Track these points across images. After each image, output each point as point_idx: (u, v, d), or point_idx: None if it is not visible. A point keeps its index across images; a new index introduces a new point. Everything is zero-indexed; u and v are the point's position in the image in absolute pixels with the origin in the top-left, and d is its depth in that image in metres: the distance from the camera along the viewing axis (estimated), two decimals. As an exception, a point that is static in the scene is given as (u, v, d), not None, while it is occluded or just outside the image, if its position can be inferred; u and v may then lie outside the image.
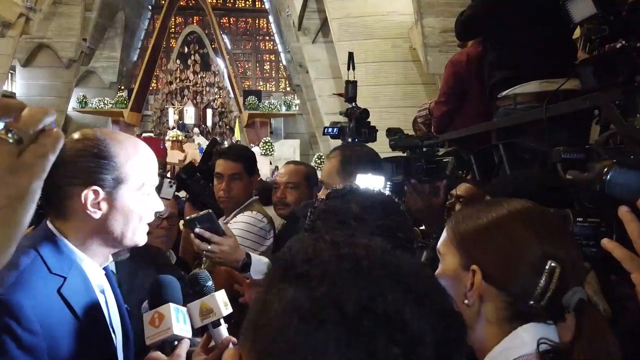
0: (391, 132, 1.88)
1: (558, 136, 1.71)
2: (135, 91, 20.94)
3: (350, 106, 2.54)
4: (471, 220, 0.95)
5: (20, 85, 19.30)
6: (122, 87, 21.79)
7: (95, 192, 1.01)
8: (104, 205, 1.03)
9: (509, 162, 1.87)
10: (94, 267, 1.05)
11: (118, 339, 1.08)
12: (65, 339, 0.94)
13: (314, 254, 0.53)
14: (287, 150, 20.09)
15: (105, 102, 20.45)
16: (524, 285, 0.86)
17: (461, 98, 2.63)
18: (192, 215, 1.53)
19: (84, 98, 20.50)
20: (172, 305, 1.04)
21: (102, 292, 1.08)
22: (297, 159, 19.73)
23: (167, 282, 1.11)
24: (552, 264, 0.84)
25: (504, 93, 2.10)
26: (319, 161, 19.45)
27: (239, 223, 1.98)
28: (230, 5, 26.92)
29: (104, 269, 1.11)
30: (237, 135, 19.63)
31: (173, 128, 18.79)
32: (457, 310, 0.55)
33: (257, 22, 27.06)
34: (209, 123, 20.72)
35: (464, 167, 2.41)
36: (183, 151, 13.80)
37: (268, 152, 18.42)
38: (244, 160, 2.08)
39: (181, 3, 24.44)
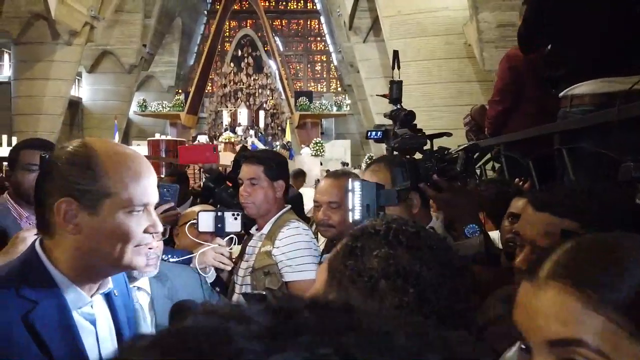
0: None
1: (628, 141, 1.49)
2: (191, 94, 21.62)
3: (395, 108, 2.37)
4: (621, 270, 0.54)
5: (86, 90, 20.43)
6: (179, 91, 22.58)
7: (69, 204, 0.91)
8: (82, 221, 0.92)
9: (574, 169, 1.66)
10: (77, 295, 0.95)
11: None
12: None
13: None
14: (338, 150, 20.02)
15: (164, 105, 21.24)
16: None
17: (518, 96, 2.40)
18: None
19: (144, 102, 21.39)
20: None
21: (93, 322, 0.97)
22: (348, 159, 19.60)
23: (188, 307, 1.03)
24: None
25: (562, 93, 1.87)
26: (369, 161, 19.24)
27: (295, 244, 1.86)
28: (282, 7, 27.23)
29: (107, 294, 1.01)
30: (288, 136, 19.78)
31: (226, 130, 19.21)
32: None
33: (308, 23, 27.20)
34: (262, 124, 21.03)
35: (521, 173, 2.20)
36: (235, 152, 14.10)
37: (319, 152, 18.43)
38: (264, 164, 1.94)
39: (235, 7, 24.99)
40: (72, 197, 0.92)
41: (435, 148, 1.41)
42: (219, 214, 1.69)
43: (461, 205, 1.33)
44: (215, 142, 18.22)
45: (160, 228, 1.00)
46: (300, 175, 6.93)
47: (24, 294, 0.89)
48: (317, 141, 19.07)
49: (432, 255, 0.65)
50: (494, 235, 1.66)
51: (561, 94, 1.87)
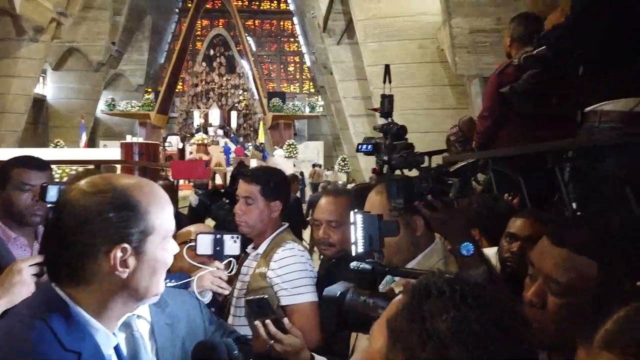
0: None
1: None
2: (161, 93, 21.23)
3: (386, 122, 2.37)
4: None
5: (51, 88, 19.78)
6: (149, 90, 22.13)
7: (124, 250, 0.90)
8: (131, 262, 0.92)
9: (567, 187, 1.67)
10: (106, 337, 0.95)
11: None
12: None
13: None
14: (311, 152, 20.05)
15: (133, 104, 20.78)
16: None
17: (506, 112, 2.45)
18: (249, 297, 1.53)
19: (112, 101, 20.87)
20: None
21: None
22: (321, 161, 19.64)
23: (214, 347, 1.02)
24: None
25: (590, 108, 1.85)
26: (342, 163, 19.35)
27: (291, 266, 1.81)
28: (255, 7, 27.04)
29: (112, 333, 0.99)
30: (261, 137, 19.67)
31: (198, 131, 18.93)
32: None
33: (281, 23, 27.10)
34: (234, 125, 20.83)
35: (509, 188, 2.23)
36: (208, 154, 13.90)
37: (292, 154, 18.40)
38: (260, 183, 1.90)
39: (207, 6, 24.65)
40: (125, 243, 0.90)
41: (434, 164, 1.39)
42: (218, 236, 1.65)
43: (455, 225, 1.33)
44: (186, 142, 17.95)
45: (177, 249, 1.01)
46: (294, 179, 6.98)
47: (67, 346, 0.87)
48: (291, 142, 19.04)
49: (500, 315, 0.64)
50: (489, 252, 1.68)
51: (588, 109, 1.84)
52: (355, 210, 1.16)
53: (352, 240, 1.11)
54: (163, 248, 0.96)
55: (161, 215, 0.95)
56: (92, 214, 0.89)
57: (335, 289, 1.03)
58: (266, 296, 1.56)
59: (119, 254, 0.90)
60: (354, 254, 1.11)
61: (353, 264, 1.08)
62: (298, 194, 9.81)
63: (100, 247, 0.89)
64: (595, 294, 0.79)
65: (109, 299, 0.93)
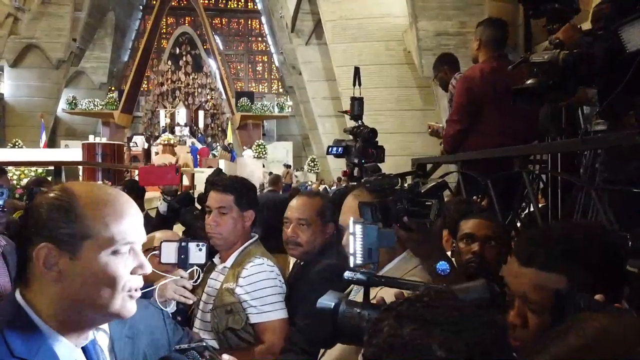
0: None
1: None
2: (125, 92, 20.67)
3: (357, 124, 2.38)
4: None
5: (8, 86, 19.00)
6: (113, 88, 21.52)
7: (49, 250, 0.88)
8: (64, 267, 0.89)
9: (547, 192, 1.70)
10: (68, 348, 0.92)
11: None
12: None
13: None
14: (280, 152, 19.96)
15: (96, 103, 20.17)
16: None
17: (475, 116, 2.48)
18: (181, 347, 1.40)
19: (73, 99, 20.21)
20: None
21: None
22: (290, 161, 19.58)
23: None
24: None
25: None
26: (311, 164, 19.35)
27: (259, 282, 1.75)
28: (222, 5, 26.71)
29: (85, 347, 0.96)
30: (229, 138, 19.43)
31: (164, 131, 18.49)
32: None
33: (249, 23, 26.87)
34: (201, 125, 20.49)
35: (478, 191, 2.27)
36: (174, 154, 13.60)
37: (261, 154, 18.25)
38: (234, 192, 1.85)
39: (173, 3, 24.19)
40: (51, 242, 0.88)
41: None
42: (183, 244, 1.59)
43: (431, 245, 1.33)
44: (152, 142, 17.53)
45: (149, 269, 0.97)
46: (278, 180, 6.94)
47: (19, 354, 0.86)
48: (260, 143, 18.88)
49: (446, 329, 0.59)
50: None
51: None
52: (354, 219, 1.13)
53: (351, 251, 1.07)
54: (109, 259, 0.91)
55: (105, 222, 0.91)
56: (36, 212, 0.91)
57: (328, 301, 1.00)
58: (203, 344, 1.46)
59: (43, 252, 0.89)
60: (351, 265, 1.08)
61: (347, 274, 1.05)
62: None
63: (32, 245, 0.89)
64: (554, 307, 0.80)
65: (62, 308, 0.91)
